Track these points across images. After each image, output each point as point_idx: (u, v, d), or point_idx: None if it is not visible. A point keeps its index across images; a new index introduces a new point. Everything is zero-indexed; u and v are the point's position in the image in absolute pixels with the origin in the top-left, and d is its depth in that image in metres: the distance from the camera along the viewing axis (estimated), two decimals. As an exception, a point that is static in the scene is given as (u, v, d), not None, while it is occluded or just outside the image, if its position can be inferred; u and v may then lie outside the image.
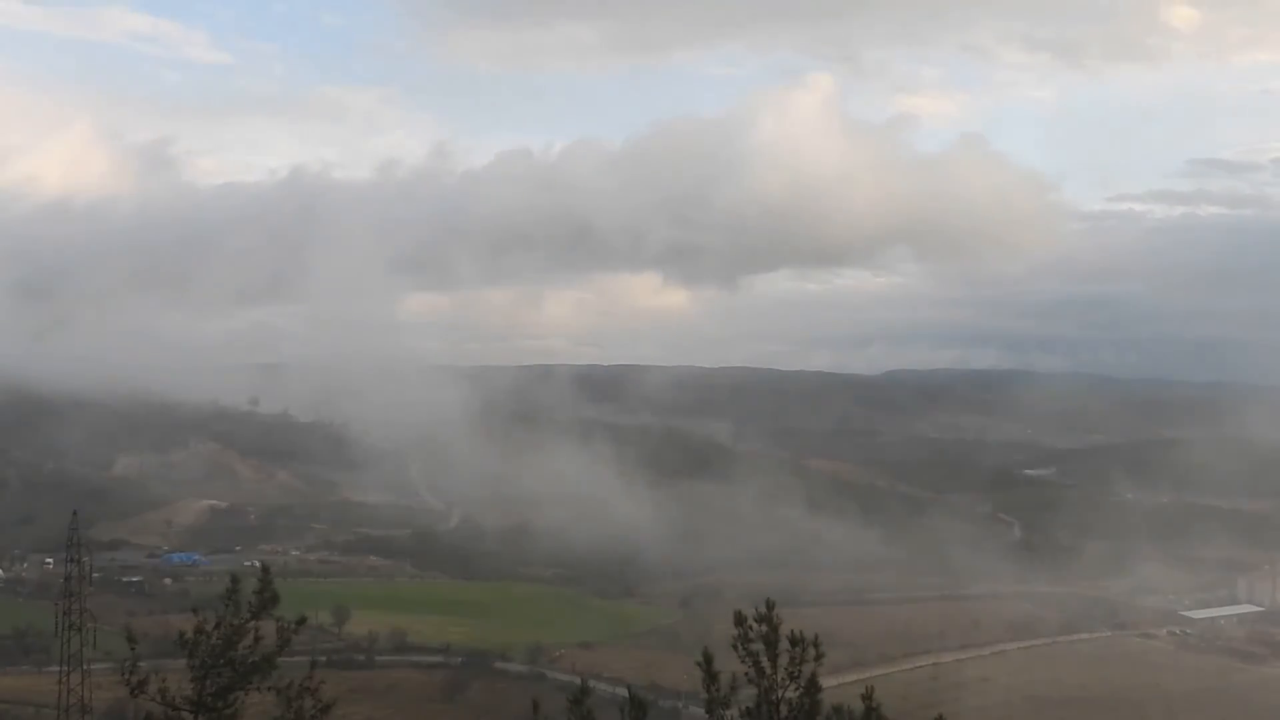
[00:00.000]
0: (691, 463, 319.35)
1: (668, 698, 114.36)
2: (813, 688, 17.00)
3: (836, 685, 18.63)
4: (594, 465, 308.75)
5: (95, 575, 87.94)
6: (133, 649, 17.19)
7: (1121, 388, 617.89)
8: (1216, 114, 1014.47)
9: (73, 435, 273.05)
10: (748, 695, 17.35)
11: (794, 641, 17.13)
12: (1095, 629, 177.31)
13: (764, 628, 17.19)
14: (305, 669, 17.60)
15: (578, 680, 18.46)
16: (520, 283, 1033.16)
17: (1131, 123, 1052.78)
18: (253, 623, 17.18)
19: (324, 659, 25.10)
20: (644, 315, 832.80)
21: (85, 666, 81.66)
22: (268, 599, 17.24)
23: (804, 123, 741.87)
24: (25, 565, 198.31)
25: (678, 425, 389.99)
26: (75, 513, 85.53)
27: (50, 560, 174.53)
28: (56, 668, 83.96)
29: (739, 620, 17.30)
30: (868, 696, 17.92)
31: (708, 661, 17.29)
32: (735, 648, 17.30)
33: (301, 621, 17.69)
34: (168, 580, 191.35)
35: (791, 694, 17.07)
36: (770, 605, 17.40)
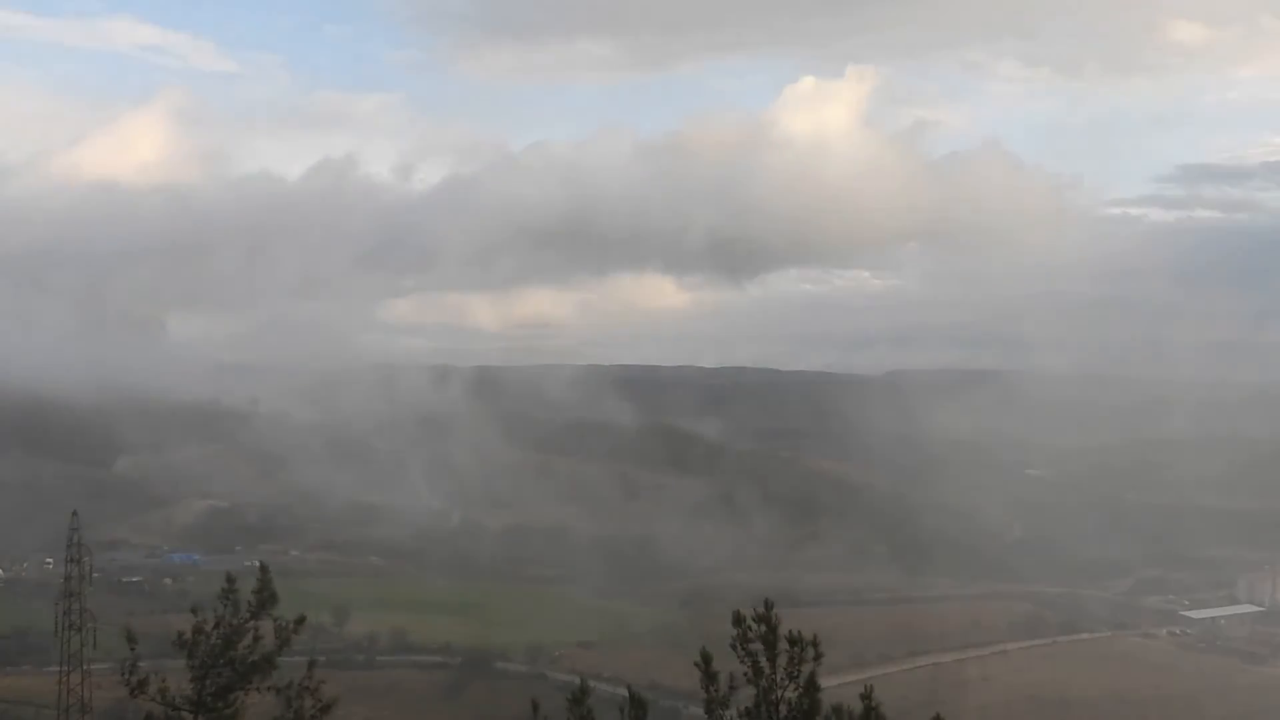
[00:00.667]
0: (691, 462, 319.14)
1: (668, 698, 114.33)
2: (812, 687, 17.01)
3: (836, 685, 18.63)
4: (593, 466, 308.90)
5: (95, 575, 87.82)
6: (133, 649, 17.21)
7: (1121, 388, 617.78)
8: (1204, 122, 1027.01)
9: (73, 435, 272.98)
10: (747, 695, 17.35)
11: (793, 641, 17.13)
12: (1096, 629, 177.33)
13: (763, 628, 17.19)
14: (305, 669, 17.60)
15: (578, 680, 18.45)
16: (522, 283, 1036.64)
17: (1120, 130, 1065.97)
18: (252, 622, 17.19)
19: (324, 659, 25.04)
20: (644, 316, 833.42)
21: (85, 666, 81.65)
22: (266, 598, 17.25)
23: (815, 128, 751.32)
24: (25, 565, 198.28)
25: (678, 425, 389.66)
26: (75, 513, 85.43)
27: (50, 560, 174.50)
28: (56, 668, 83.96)
29: (738, 620, 17.30)
30: (867, 696, 17.92)
31: (706, 661, 17.29)
32: (734, 648, 17.30)
33: (301, 621, 17.71)
34: (168, 580, 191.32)
35: (790, 694, 17.06)
36: (769, 605, 17.40)
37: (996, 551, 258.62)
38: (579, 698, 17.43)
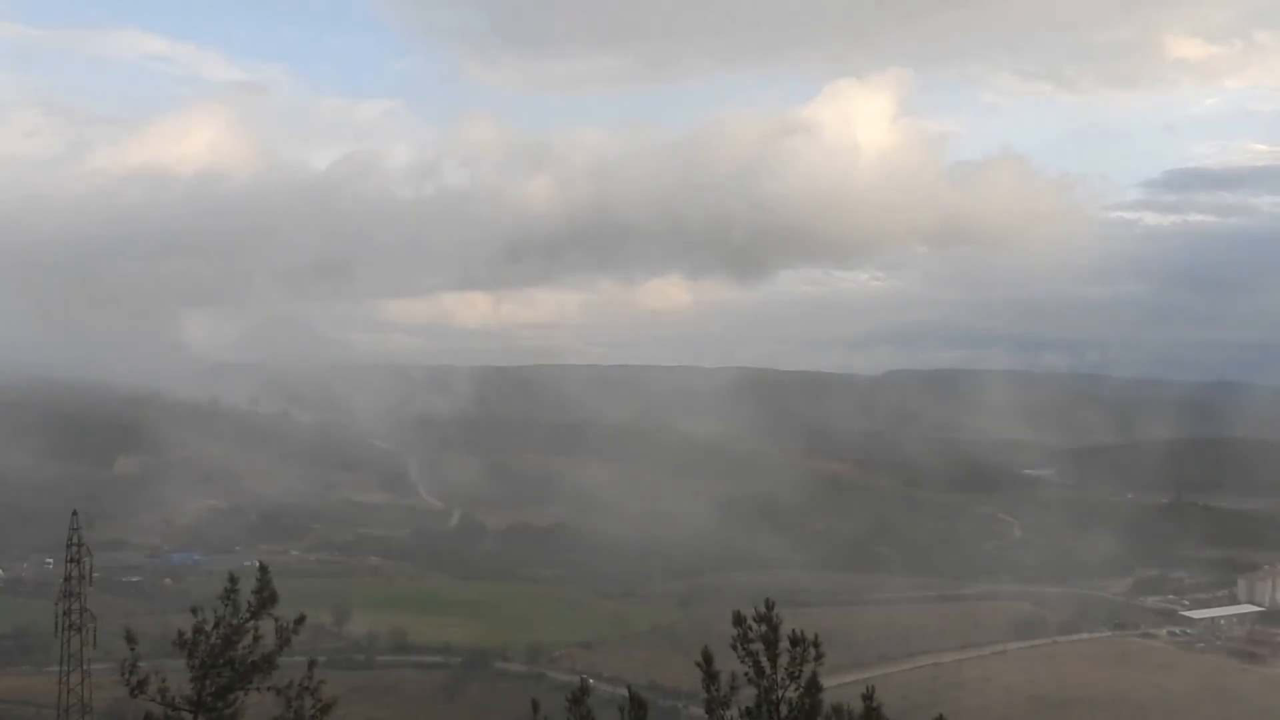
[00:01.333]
0: (690, 462, 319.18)
1: (668, 698, 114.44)
2: (813, 687, 16.99)
3: (837, 685, 18.61)
4: (594, 466, 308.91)
5: (95, 575, 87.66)
6: (132, 649, 17.18)
7: (1121, 388, 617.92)
8: (1192, 130, 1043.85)
9: (73, 435, 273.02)
10: (748, 695, 17.34)
11: (794, 641, 17.11)
12: (1096, 629, 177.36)
13: (763, 627, 17.17)
14: (305, 669, 17.59)
15: (578, 680, 18.44)
16: (524, 284, 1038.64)
17: (1111, 137, 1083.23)
18: (252, 622, 17.16)
19: (324, 659, 25.02)
20: (645, 316, 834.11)
21: (85, 666, 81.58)
22: (266, 598, 17.23)
23: (825, 135, 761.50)
24: (25, 565, 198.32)
25: (677, 425, 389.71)
26: (75, 513, 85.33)
27: (50, 560, 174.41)
28: (56, 668, 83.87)
29: (738, 620, 17.28)
30: (868, 696, 17.91)
31: (707, 661, 17.26)
32: (735, 648, 17.27)
33: (301, 621, 17.68)
34: (168, 580, 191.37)
35: (791, 694, 17.05)
36: (770, 605, 17.38)
37: (996, 551, 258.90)
38: (579, 698, 17.40)
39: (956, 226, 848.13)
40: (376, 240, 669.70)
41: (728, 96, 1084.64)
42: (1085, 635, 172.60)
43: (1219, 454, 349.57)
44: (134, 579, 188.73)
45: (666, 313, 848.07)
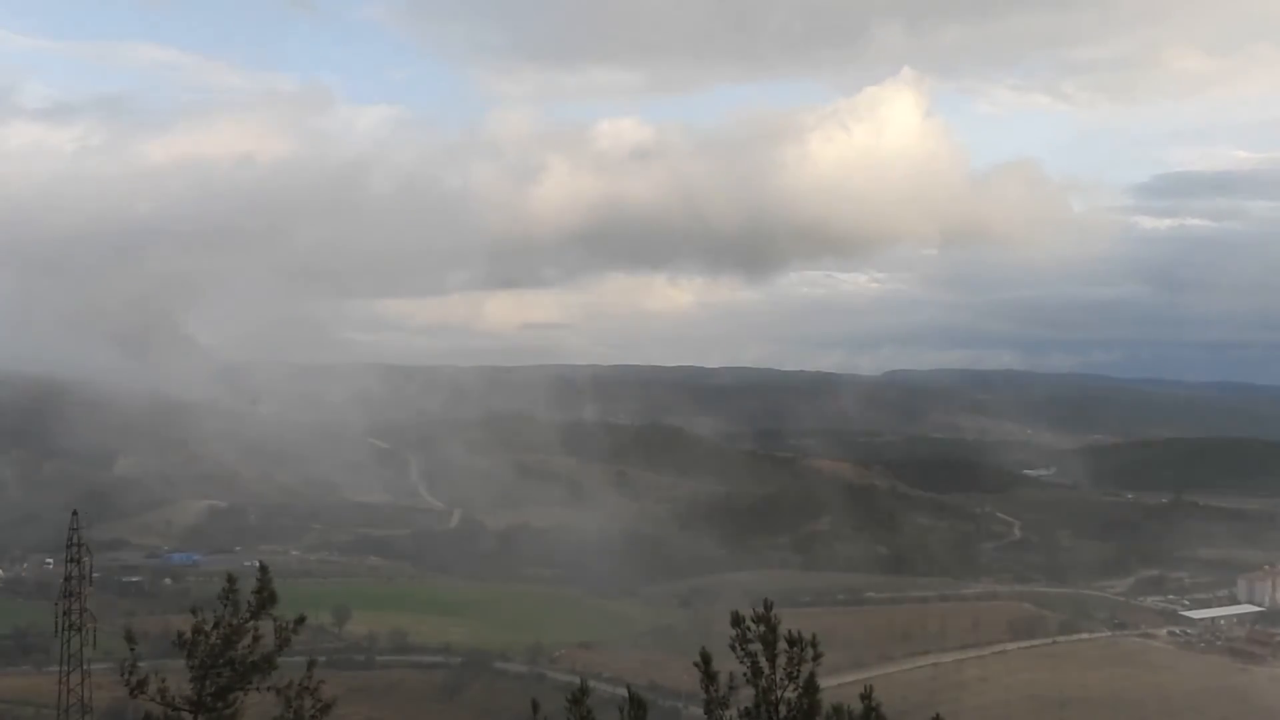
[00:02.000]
0: (690, 462, 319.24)
1: (668, 698, 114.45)
2: (811, 688, 17.00)
3: (836, 685, 18.65)
4: (594, 466, 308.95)
5: (95, 575, 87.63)
6: (132, 649, 17.19)
7: (1122, 388, 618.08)
8: (1180, 138, 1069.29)
9: (73, 435, 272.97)
10: (747, 695, 17.36)
11: (792, 641, 17.12)
12: (1095, 629, 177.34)
13: (762, 628, 17.18)
14: (305, 669, 17.60)
15: (577, 680, 18.45)
16: (526, 285, 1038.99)
17: (1102, 146, 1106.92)
18: (252, 622, 17.17)
19: (324, 659, 25.07)
20: (646, 316, 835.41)
21: (85, 666, 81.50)
22: (266, 598, 17.23)
23: (828, 139, 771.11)
24: (25, 565, 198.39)
25: (678, 425, 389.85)
26: (75, 513, 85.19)
27: (50, 560, 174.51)
28: (56, 668, 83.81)
29: (736, 620, 17.29)
30: (867, 696, 17.92)
31: (706, 661, 17.27)
32: (733, 648, 17.29)
33: (301, 621, 17.68)
34: (168, 580, 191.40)
35: (790, 694, 17.06)
36: (768, 605, 17.40)
37: (996, 551, 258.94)
38: (579, 698, 17.40)
39: (960, 228, 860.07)
40: (377, 241, 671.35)
41: (730, 106, 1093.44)
42: (1085, 635, 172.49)
43: (1219, 454, 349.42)
44: (134, 579, 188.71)
45: (667, 314, 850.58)
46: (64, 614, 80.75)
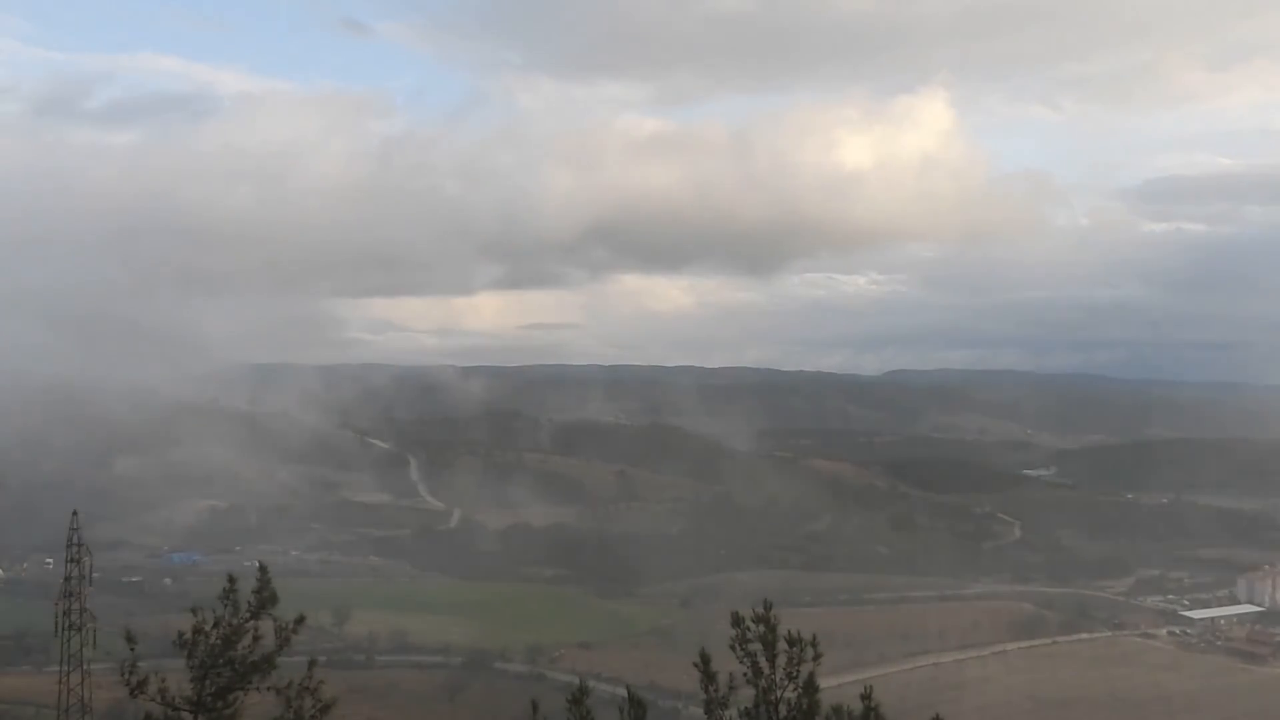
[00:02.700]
0: (690, 462, 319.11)
1: (667, 698, 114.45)
2: (811, 688, 17.01)
3: (836, 685, 18.66)
4: (594, 466, 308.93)
5: (95, 575, 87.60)
6: (132, 649, 17.19)
7: (1122, 388, 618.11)
8: (1171, 145, 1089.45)
9: (73, 435, 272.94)
10: (746, 695, 17.37)
11: (791, 641, 17.13)
12: (1095, 629, 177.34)
13: (761, 628, 17.19)
14: (305, 669, 17.59)
15: (577, 680, 18.46)
16: (527, 285, 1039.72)
17: (1096, 151, 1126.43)
18: (251, 622, 17.17)
19: (324, 659, 25.04)
20: (647, 316, 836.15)
21: (85, 666, 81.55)
22: (266, 598, 17.23)
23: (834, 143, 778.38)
24: (25, 565, 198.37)
25: (678, 425, 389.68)
26: (75, 513, 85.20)
27: (50, 560, 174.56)
28: (56, 668, 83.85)
29: (736, 620, 17.30)
30: (866, 696, 17.93)
31: (705, 662, 17.28)
32: (733, 648, 17.29)
33: (300, 621, 17.68)
34: (168, 580, 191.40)
35: (790, 694, 17.07)
36: (768, 605, 17.41)
37: (996, 551, 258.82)
38: (579, 698, 17.41)
39: (960, 230, 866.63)
40: (385, 240, 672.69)
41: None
42: (1085, 635, 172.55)
43: (1219, 454, 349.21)
44: (134, 579, 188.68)
45: (669, 314, 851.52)
46: (64, 614, 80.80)
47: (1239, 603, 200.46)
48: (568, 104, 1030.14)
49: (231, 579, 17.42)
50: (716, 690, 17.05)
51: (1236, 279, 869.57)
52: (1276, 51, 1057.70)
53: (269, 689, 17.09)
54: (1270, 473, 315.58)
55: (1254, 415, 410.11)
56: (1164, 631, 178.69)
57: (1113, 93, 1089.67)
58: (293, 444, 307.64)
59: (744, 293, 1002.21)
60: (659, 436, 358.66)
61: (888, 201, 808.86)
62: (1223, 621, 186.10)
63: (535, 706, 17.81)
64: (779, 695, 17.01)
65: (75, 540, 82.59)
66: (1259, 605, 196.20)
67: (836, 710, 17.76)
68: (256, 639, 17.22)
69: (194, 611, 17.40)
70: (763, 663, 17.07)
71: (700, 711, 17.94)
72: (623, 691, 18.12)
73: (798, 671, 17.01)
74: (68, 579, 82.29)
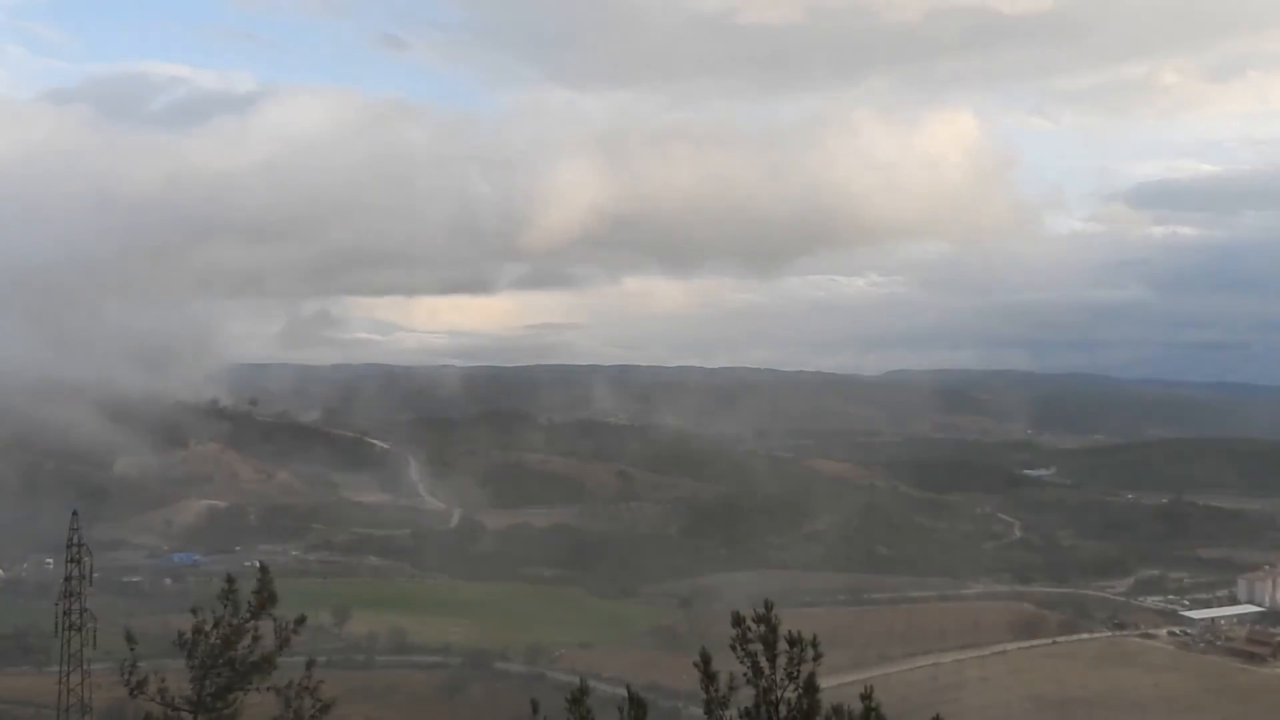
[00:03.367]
0: (690, 462, 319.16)
1: (668, 698, 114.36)
2: (811, 688, 17.00)
3: (836, 685, 18.64)
4: (594, 466, 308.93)
5: (95, 575, 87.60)
6: (132, 649, 17.18)
7: (1122, 388, 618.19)
8: (1164, 153, 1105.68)
9: (73, 435, 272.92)
10: (746, 695, 17.36)
11: (792, 642, 17.12)
12: (1095, 629, 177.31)
13: (762, 628, 17.18)
14: (304, 669, 17.57)
15: (577, 680, 18.44)
16: (528, 285, 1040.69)
17: (1091, 157, 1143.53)
18: (252, 622, 17.17)
19: (324, 659, 25.06)
20: (648, 317, 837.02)
21: (85, 666, 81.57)
22: (265, 598, 17.23)
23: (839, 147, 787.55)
24: (25, 565, 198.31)
25: (678, 425, 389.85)
26: (75, 513, 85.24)
27: (50, 560, 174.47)
28: (56, 668, 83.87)
29: (737, 620, 17.29)
30: (867, 696, 17.92)
31: (706, 662, 17.27)
32: (733, 648, 17.29)
33: (301, 621, 17.69)
34: (168, 580, 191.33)
35: (790, 694, 17.06)
36: (769, 606, 17.40)
37: (996, 551, 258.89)
38: (579, 698, 17.41)
39: (960, 232, 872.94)
40: (380, 242, 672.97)
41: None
42: (1085, 635, 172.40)
43: (1219, 454, 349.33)
44: (134, 579, 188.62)
45: (670, 314, 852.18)
46: (64, 614, 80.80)
47: (1239, 603, 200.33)
48: (569, 109, 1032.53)
49: (231, 579, 17.42)
50: (717, 690, 17.04)
51: (1233, 280, 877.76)
52: (1267, 64, 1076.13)
53: (269, 689, 17.09)
54: (1270, 473, 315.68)
55: (1254, 415, 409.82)
56: (1164, 631, 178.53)
57: (1109, 104, 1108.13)
58: (292, 444, 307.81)
59: (745, 294, 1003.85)
60: (659, 436, 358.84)
61: (889, 203, 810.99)
62: (1223, 621, 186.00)
63: (535, 706, 17.80)
64: (779, 695, 17.01)
65: (75, 540, 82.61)
66: (1259, 605, 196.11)
67: (837, 710, 17.74)
68: (256, 639, 17.23)
69: (194, 611, 17.40)
70: (763, 663, 17.06)
71: (700, 711, 17.92)
72: (623, 691, 18.11)
73: (798, 671, 17.00)
74: (68, 579, 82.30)
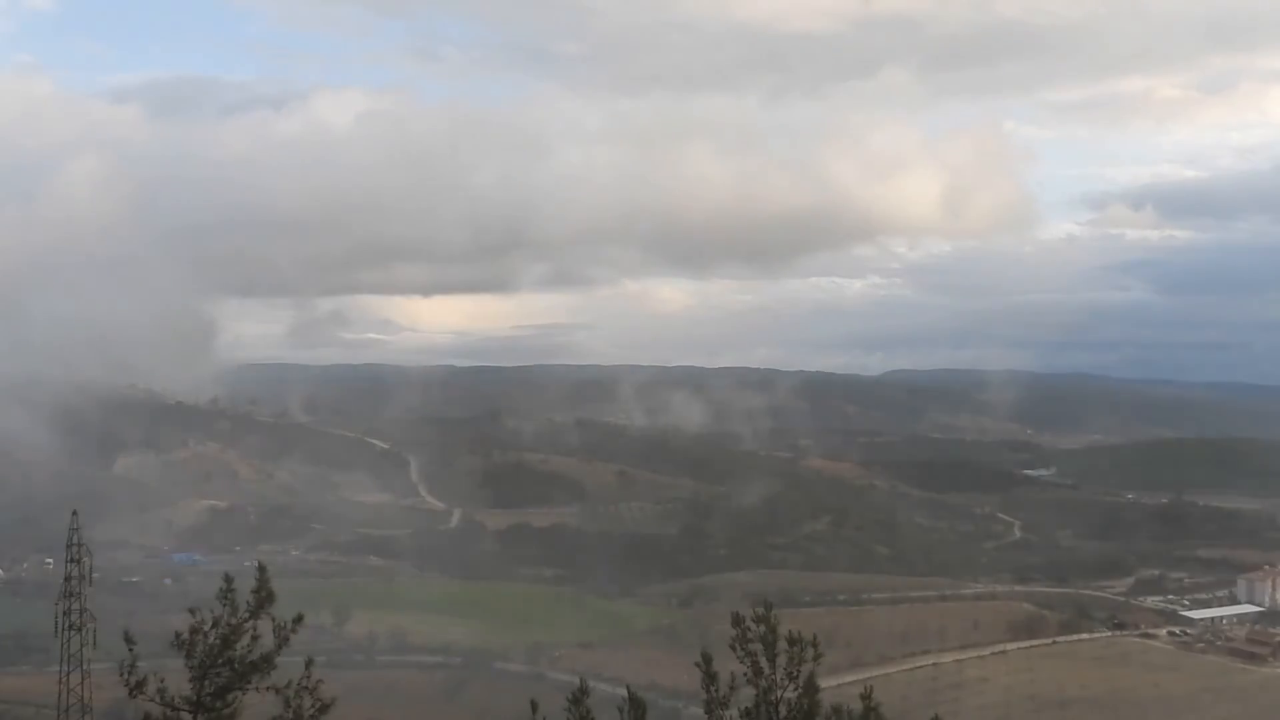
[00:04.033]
0: (690, 462, 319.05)
1: (668, 698, 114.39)
2: (811, 688, 16.98)
3: (836, 685, 18.64)
4: (594, 466, 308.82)
5: (95, 575, 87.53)
6: (131, 649, 17.15)
7: (1122, 388, 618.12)
8: (1159, 159, 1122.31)
9: (73, 435, 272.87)
10: (747, 696, 17.34)
11: (792, 642, 17.11)
12: (1095, 629, 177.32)
13: (762, 628, 17.17)
14: (304, 668, 17.55)
15: (577, 680, 18.41)
16: (528, 286, 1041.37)
17: (1088, 162, 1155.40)
18: (250, 622, 17.13)
19: (324, 659, 24.98)
20: (648, 317, 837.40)
21: (85, 666, 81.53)
22: (264, 598, 17.19)
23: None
24: (25, 565, 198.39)
25: (678, 425, 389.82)
26: (75, 513, 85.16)
27: (50, 560, 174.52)
28: (56, 668, 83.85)
29: (737, 621, 17.28)
30: (867, 696, 17.91)
31: (706, 662, 17.26)
32: (734, 648, 17.27)
33: (299, 620, 17.64)
34: (168, 580, 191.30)
35: (790, 694, 17.05)
36: (768, 606, 17.38)
37: (996, 551, 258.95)
38: (579, 698, 17.39)
39: (960, 232, 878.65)
40: (382, 241, 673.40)
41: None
42: (1085, 635, 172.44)
43: (1219, 454, 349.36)
44: (134, 579, 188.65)
45: (670, 314, 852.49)
46: (64, 614, 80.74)
47: (1239, 603, 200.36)
48: (571, 113, 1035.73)
49: (228, 578, 17.39)
50: (717, 690, 17.02)
51: (1231, 282, 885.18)
52: (1260, 77, 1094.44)
53: (268, 689, 17.06)
54: (1270, 473, 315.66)
55: (1254, 415, 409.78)
56: (1164, 631, 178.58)
57: (1105, 114, 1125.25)
58: (292, 444, 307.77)
59: (746, 295, 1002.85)
60: (659, 436, 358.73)
61: (890, 205, 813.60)
62: (1223, 621, 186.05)
63: (535, 706, 17.77)
64: (779, 695, 16.99)
65: (75, 540, 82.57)
66: (1259, 605, 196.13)
67: (837, 710, 17.74)
68: (255, 639, 17.19)
69: (192, 611, 17.37)
70: (763, 663, 17.05)
71: (700, 711, 17.91)
72: (623, 691, 18.09)
73: (798, 671, 16.99)
74: (68, 579, 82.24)
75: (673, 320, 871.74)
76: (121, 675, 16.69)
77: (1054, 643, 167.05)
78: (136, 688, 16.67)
